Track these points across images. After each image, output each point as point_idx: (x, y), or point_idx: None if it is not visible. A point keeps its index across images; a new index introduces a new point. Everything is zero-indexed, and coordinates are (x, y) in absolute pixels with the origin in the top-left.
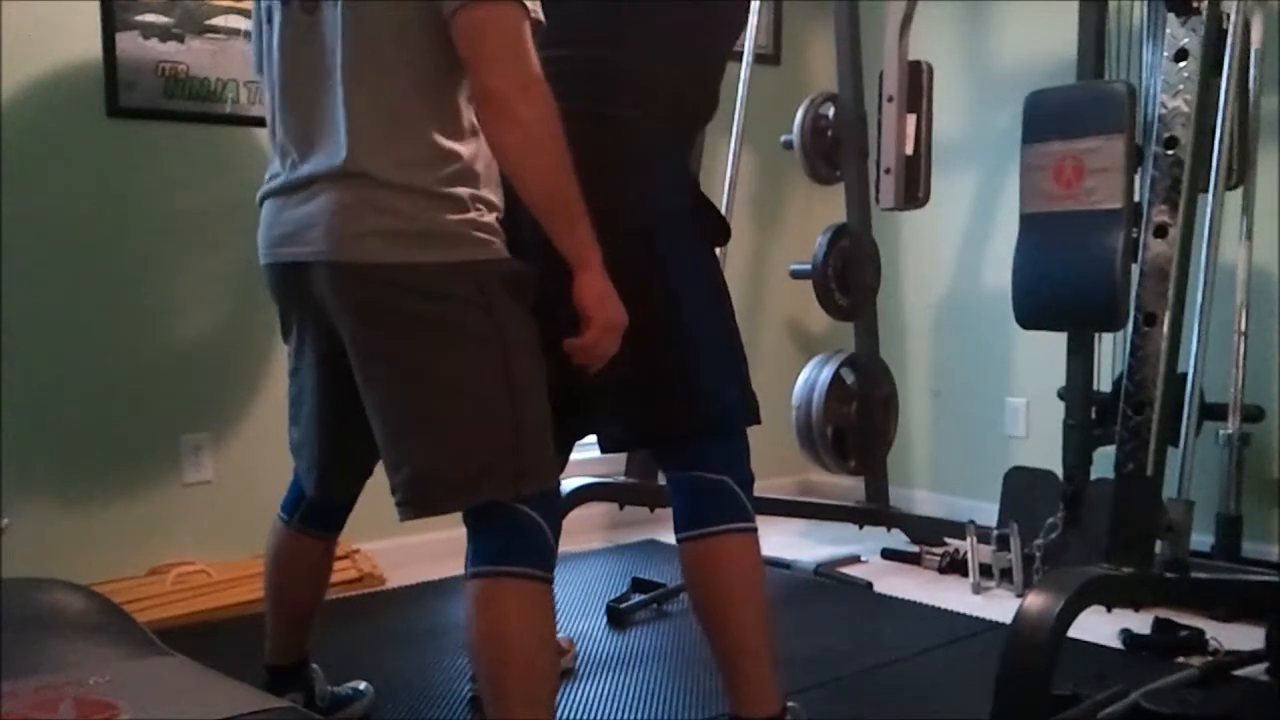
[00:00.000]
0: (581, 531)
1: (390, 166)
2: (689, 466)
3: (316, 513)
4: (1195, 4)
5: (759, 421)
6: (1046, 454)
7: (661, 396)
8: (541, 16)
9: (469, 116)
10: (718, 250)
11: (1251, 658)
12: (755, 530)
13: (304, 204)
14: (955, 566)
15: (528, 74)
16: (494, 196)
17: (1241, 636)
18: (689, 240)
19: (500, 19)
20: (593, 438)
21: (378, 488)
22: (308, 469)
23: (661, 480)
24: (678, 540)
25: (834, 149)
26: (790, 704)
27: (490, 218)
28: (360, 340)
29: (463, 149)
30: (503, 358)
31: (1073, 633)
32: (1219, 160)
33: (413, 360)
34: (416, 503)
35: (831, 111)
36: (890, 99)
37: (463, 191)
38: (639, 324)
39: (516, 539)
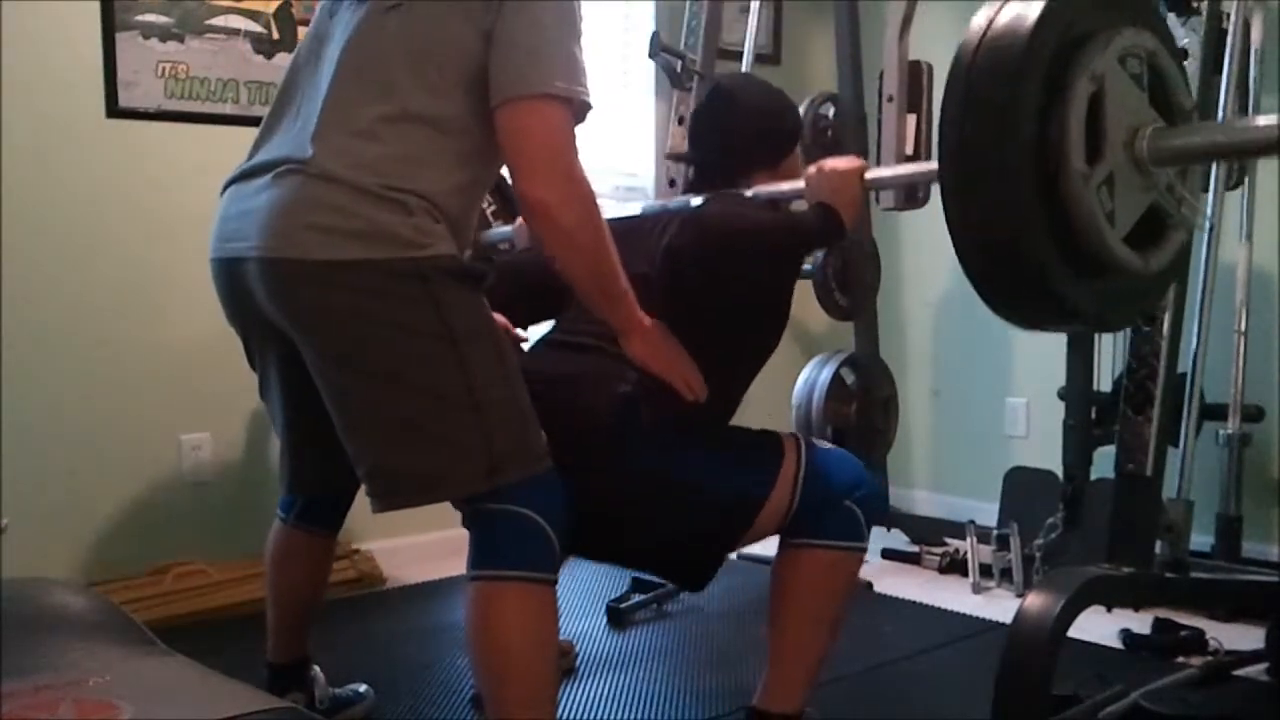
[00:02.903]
0: None
1: (338, 163)
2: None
3: (312, 510)
4: (1195, 4)
5: (784, 451)
6: (1046, 454)
7: (704, 540)
8: (591, 100)
9: (464, 163)
10: None
11: (1251, 658)
12: (856, 551)
13: (254, 197)
14: (955, 566)
15: (567, 183)
16: (452, 218)
17: (1241, 636)
18: (656, 435)
19: (543, 122)
20: None
21: None
22: (281, 464)
23: None
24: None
25: (834, 149)
26: (808, 709)
27: (439, 227)
28: (305, 338)
29: (423, 176)
30: (455, 351)
31: (1073, 633)
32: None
33: (358, 357)
34: (382, 495)
35: (831, 111)
36: (890, 99)
37: (411, 200)
38: (650, 514)
39: (515, 541)
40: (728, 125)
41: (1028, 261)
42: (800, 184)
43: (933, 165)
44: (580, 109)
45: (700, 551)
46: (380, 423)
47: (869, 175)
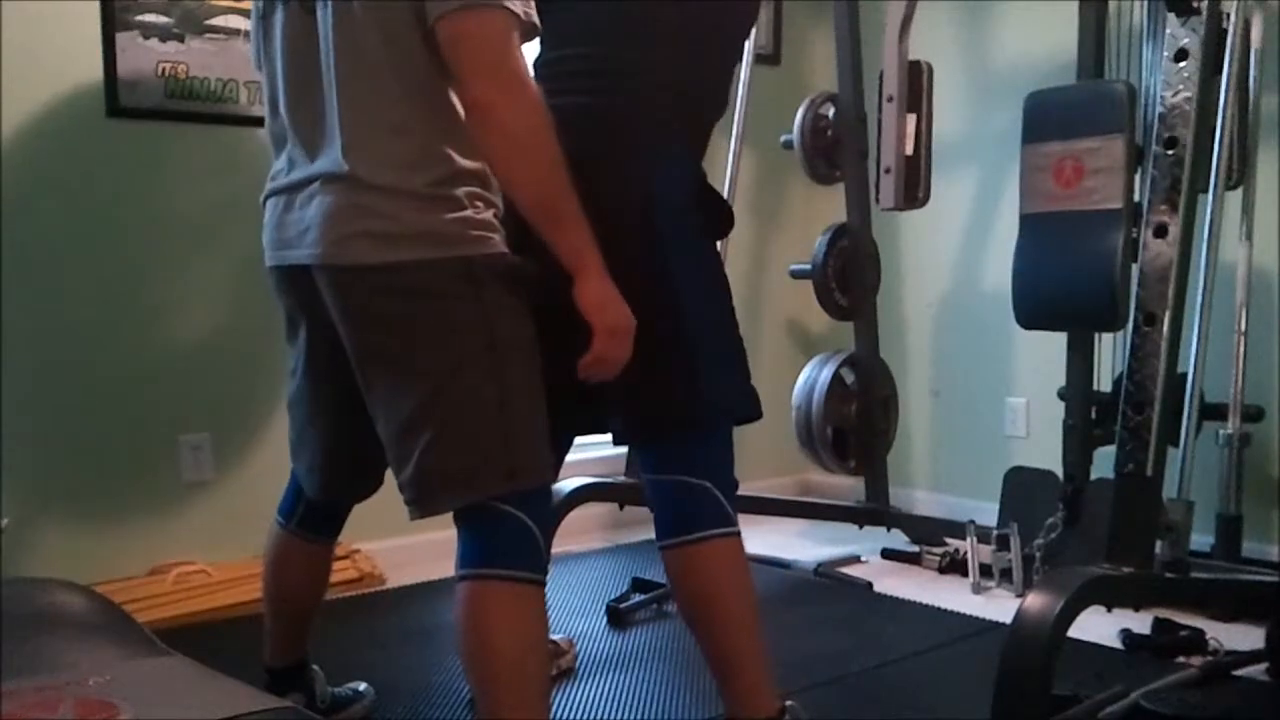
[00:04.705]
0: (581, 531)
1: (381, 170)
2: (673, 470)
3: (313, 517)
4: (1195, 4)
5: (760, 415)
6: (1046, 454)
7: (657, 387)
8: (536, 19)
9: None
10: (719, 244)
11: (1251, 658)
12: (739, 534)
13: (303, 207)
14: (955, 566)
15: (512, 81)
16: (494, 195)
17: (1241, 636)
18: (688, 229)
19: (484, 28)
20: (589, 439)
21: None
22: (308, 470)
23: None
24: (661, 547)
25: (834, 149)
26: (789, 703)
27: (488, 214)
28: (356, 342)
29: (458, 150)
30: (493, 354)
31: (1073, 633)
32: (1219, 160)
33: (406, 360)
34: (421, 501)
35: (831, 111)
36: (890, 99)
37: (458, 191)
38: (635, 311)
39: (504, 540)
40: None
41: None
42: None
43: None
44: (522, 25)
45: (662, 392)
46: (422, 424)
47: None
